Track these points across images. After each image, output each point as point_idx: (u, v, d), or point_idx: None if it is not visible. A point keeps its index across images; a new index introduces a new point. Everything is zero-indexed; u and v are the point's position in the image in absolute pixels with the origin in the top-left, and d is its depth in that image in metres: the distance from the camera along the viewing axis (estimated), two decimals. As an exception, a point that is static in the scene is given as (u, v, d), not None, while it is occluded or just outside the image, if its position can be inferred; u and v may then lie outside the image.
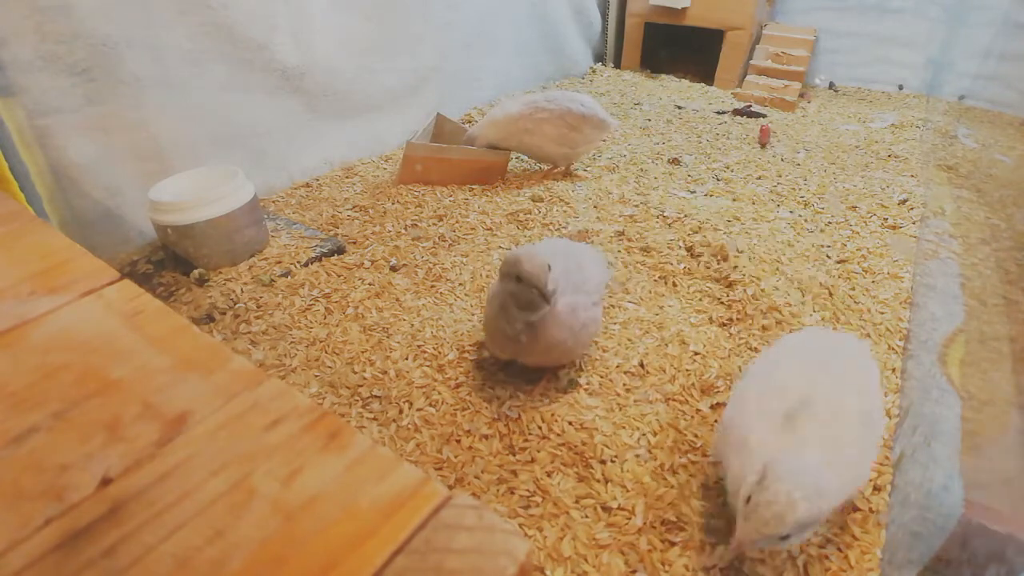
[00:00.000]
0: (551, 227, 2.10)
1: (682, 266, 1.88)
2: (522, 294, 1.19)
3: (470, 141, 2.44)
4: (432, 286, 1.79)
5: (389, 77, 2.66)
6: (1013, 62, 3.42)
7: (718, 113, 3.40)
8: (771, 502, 0.85)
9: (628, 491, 1.18)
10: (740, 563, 1.05)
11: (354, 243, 2.01)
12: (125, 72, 1.79)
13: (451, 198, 2.32)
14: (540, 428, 1.31)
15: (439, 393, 1.39)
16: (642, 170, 2.63)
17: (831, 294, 1.75)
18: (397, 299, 1.73)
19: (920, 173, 2.62)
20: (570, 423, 1.32)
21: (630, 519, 1.12)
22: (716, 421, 1.35)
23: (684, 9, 3.73)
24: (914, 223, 2.15)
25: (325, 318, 1.64)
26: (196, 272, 1.75)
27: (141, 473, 0.50)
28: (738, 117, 3.35)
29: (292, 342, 1.55)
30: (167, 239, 1.74)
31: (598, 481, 1.20)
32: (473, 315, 1.67)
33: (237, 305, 1.67)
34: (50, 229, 0.86)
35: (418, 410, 1.35)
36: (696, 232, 2.04)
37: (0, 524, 0.45)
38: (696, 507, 1.15)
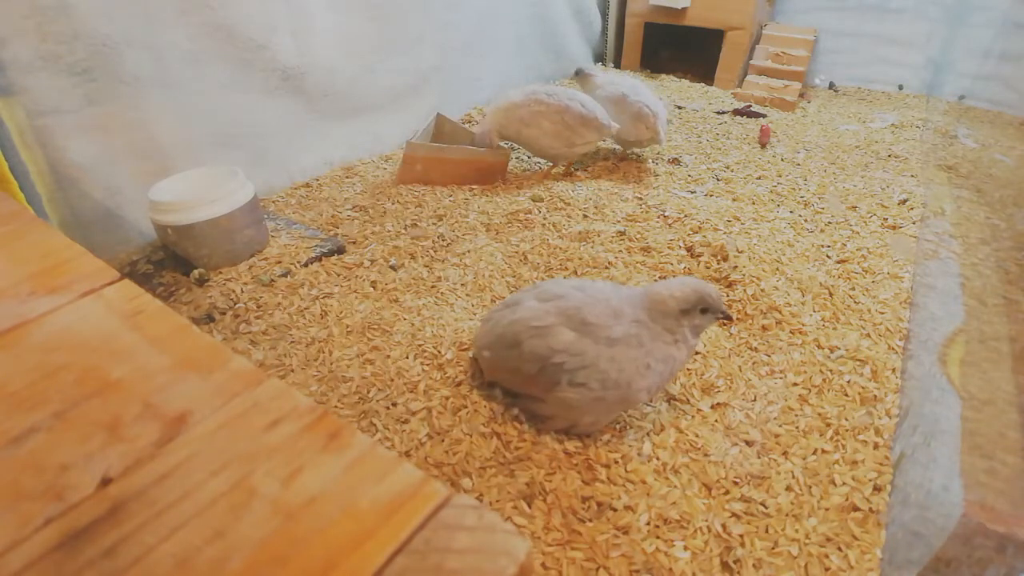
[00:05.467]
0: (551, 227, 2.10)
1: (682, 266, 1.88)
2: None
3: (479, 134, 2.45)
4: (432, 286, 1.79)
5: (389, 77, 2.66)
6: (1013, 62, 3.42)
7: (718, 113, 3.40)
8: (704, 287, 1.22)
9: (631, 491, 1.18)
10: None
11: (354, 243, 2.01)
12: (125, 72, 1.79)
13: (451, 198, 2.32)
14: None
15: (439, 392, 1.40)
16: (642, 170, 2.63)
17: (831, 294, 1.75)
18: (397, 299, 1.73)
19: (920, 173, 2.62)
20: (570, 423, 1.32)
21: (634, 518, 1.12)
22: (716, 421, 1.35)
23: (684, 9, 3.73)
24: (914, 223, 2.15)
25: (325, 318, 1.64)
26: (196, 272, 1.75)
27: (141, 473, 0.49)
28: (738, 117, 3.35)
29: (292, 342, 1.55)
30: (167, 239, 1.74)
31: (601, 482, 1.20)
32: (474, 315, 1.67)
33: (237, 305, 1.67)
34: (50, 229, 0.86)
35: (418, 409, 1.35)
36: (696, 232, 2.04)
37: (0, 524, 0.45)
38: (699, 506, 1.15)
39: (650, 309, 1.20)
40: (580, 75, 2.82)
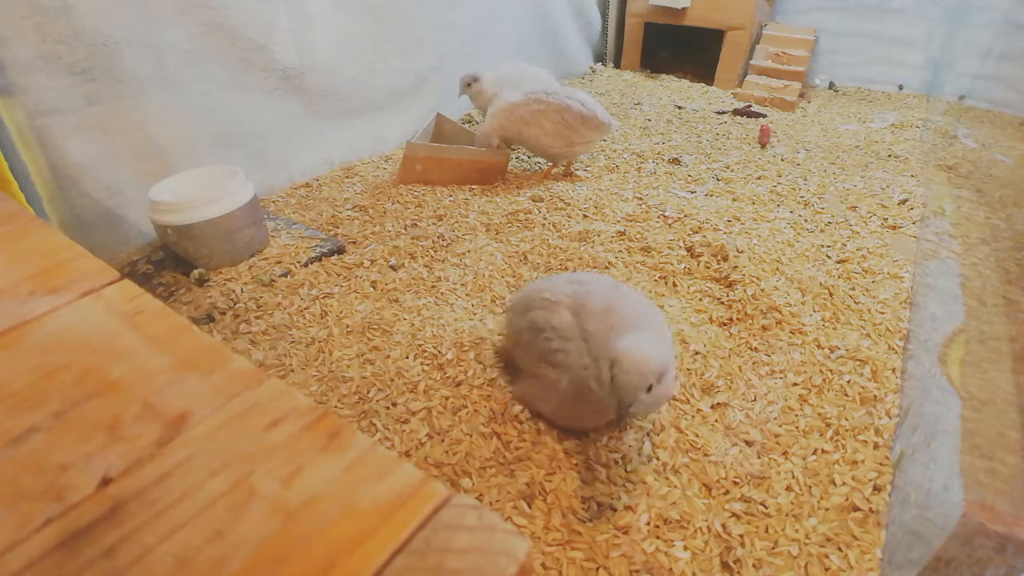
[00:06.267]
0: (551, 227, 2.10)
1: (682, 266, 1.88)
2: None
3: (480, 134, 2.44)
4: (432, 286, 1.79)
5: (389, 77, 2.66)
6: (1013, 62, 3.42)
7: (718, 113, 3.40)
8: (632, 364, 1.00)
9: (631, 491, 1.18)
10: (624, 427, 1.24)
11: (354, 243, 2.01)
12: (125, 72, 1.79)
13: (451, 198, 2.32)
14: (540, 427, 1.31)
15: (439, 392, 1.40)
16: (642, 170, 2.63)
17: (831, 294, 1.75)
18: (397, 299, 1.73)
19: (920, 173, 2.62)
20: (570, 423, 1.32)
21: (634, 518, 1.12)
22: (716, 421, 1.35)
23: (684, 9, 3.73)
24: (914, 223, 2.15)
25: (325, 318, 1.64)
26: (196, 272, 1.75)
27: (141, 473, 0.49)
28: (738, 117, 3.35)
29: (292, 342, 1.55)
30: (167, 239, 1.74)
31: (601, 482, 1.20)
32: (474, 315, 1.67)
33: (237, 305, 1.67)
34: (50, 229, 0.86)
35: (418, 409, 1.35)
36: (696, 232, 2.04)
37: (0, 524, 0.45)
38: (699, 506, 1.15)
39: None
40: (468, 86, 2.71)
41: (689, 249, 1.96)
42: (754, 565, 1.06)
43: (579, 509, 1.15)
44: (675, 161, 2.72)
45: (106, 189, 1.84)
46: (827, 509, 1.16)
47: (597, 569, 1.05)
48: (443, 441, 1.28)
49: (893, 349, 1.56)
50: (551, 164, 2.60)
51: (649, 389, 1.02)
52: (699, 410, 1.37)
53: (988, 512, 0.96)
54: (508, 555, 0.43)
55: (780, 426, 1.34)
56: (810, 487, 1.20)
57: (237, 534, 0.45)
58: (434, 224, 2.12)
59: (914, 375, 1.44)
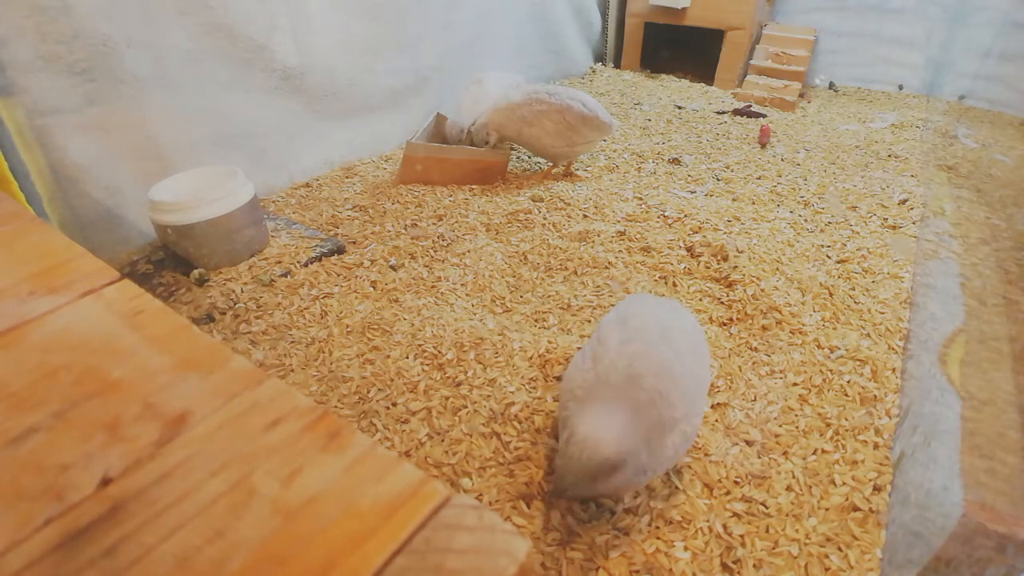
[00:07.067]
0: (551, 227, 2.10)
1: (682, 266, 1.88)
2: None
3: (478, 130, 2.43)
4: (432, 286, 1.79)
5: (389, 77, 2.66)
6: (1013, 62, 3.42)
7: (718, 113, 3.40)
8: (577, 445, 0.92)
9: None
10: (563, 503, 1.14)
11: (354, 243, 2.01)
12: (125, 72, 1.79)
13: (451, 198, 2.32)
14: (539, 427, 1.31)
15: (439, 392, 1.40)
16: (642, 170, 2.63)
17: (831, 294, 1.75)
18: (397, 299, 1.73)
19: (920, 173, 2.62)
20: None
21: (634, 520, 1.12)
22: (716, 421, 1.35)
23: (684, 9, 3.73)
24: (914, 223, 2.15)
25: (325, 318, 1.64)
26: (196, 272, 1.75)
27: (141, 473, 0.49)
28: (738, 117, 3.35)
29: (292, 342, 1.55)
30: (167, 239, 1.74)
31: (598, 481, 1.20)
32: (474, 315, 1.67)
33: (237, 305, 1.67)
34: (50, 229, 0.86)
35: (418, 409, 1.35)
36: (696, 232, 2.04)
37: (0, 524, 0.45)
38: (700, 507, 1.15)
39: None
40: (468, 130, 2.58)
41: (689, 249, 1.96)
42: (754, 565, 1.06)
43: (579, 509, 1.15)
44: (675, 161, 2.72)
45: (106, 189, 1.84)
46: (827, 509, 1.16)
47: (597, 569, 1.05)
48: (443, 441, 1.28)
49: (893, 349, 1.56)
50: (551, 164, 2.60)
51: (595, 479, 0.93)
52: (699, 410, 1.37)
53: (988, 512, 0.96)
54: (508, 555, 0.43)
55: (780, 426, 1.34)
56: (810, 487, 1.20)
57: (237, 534, 0.45)
58: (434, 224, 2.12)
59: (914, 375, 1.44)
